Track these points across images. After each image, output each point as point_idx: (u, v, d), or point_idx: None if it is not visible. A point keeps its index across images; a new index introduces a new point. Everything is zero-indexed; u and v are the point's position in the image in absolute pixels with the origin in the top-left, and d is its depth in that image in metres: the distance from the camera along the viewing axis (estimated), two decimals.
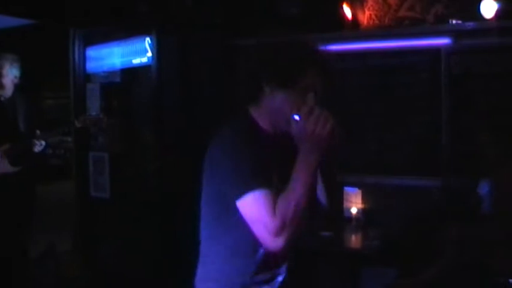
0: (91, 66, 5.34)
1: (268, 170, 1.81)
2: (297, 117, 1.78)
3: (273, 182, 1.80)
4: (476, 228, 3.56)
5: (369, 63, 4.80)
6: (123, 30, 5.00)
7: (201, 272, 2.07)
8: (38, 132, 4.30)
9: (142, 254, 4.74)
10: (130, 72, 5.00)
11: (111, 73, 5.15)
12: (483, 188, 3.78)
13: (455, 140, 4.45)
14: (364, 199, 4.56)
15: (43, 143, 4.28)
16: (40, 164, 4.65)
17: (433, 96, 4.56)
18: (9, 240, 4.36)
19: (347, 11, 4.76)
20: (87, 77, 5.35)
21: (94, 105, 5.19)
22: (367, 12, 4.81)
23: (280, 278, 2.04)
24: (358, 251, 4.17)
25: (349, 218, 4.50)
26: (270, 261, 1.95)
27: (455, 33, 4.37)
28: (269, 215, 1.73)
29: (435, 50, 4.54)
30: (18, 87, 4.51)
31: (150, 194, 4.76)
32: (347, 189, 4.60)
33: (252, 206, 1.76)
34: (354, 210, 4.50)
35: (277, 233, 1.72)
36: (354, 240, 4.41)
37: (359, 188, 4.59)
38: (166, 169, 4.72)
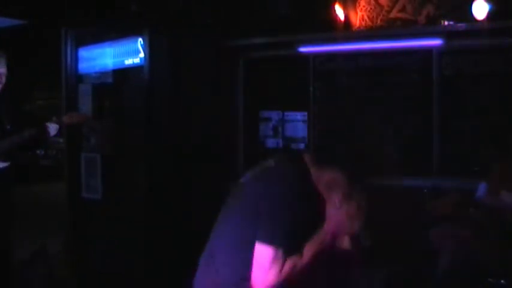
0: (83, 66, 5.32)
1: (301, 233, 2.01)
2: (337, 204, 2.06)
3: (298, 246, 2.01)
4: (468, 228, 3.58)
5: (360, 63, 4.82)
6: (116, 30, 4.98)
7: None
8: (54, 118, 4.33)
9: (134, 255, 4.72)
10: (123, 73, 4.98)
11: (103, 74, 5.12)
12: (476, 187, 3.79)
13: (447, 140, 4.46)
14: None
15: (56, 126, 4.29)
16: (18, 163, 4.55)
17: (424, 97, 4.58)
18: None
19: (339, 12, 4.77)
20: (79, 78, 5.33)
21: (86, 106, 5.17)
22: (359, 13, 4.83)
23: None
24: (349, 252, 4.16)
25: None
26: None
27: (447, 34, 4.39)
28: (275, 274, 1.94)
29: (427, 51, 4.57)
30: (7, 87, 4.43)
31: (141, 195, 4.75)
32: None
33: (267, 257, 1.94)
34: None
35: (270, 285, 1.94)
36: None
37: None
38: (158, 170, 4.72)
